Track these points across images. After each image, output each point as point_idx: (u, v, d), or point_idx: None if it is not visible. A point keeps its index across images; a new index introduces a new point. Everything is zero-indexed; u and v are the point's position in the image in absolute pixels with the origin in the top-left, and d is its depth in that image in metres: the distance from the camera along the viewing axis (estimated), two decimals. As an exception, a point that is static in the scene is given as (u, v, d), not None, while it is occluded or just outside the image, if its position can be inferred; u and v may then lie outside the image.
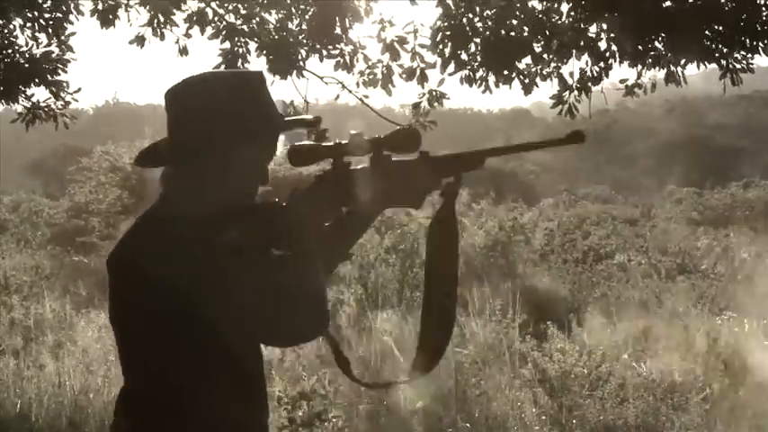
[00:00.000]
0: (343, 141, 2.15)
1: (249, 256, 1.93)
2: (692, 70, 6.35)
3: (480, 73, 6.46)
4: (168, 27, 6.97)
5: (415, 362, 2.18)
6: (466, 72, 6.47)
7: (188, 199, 2.01)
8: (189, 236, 1.94)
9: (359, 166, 2.16)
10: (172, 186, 2.03)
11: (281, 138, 2.16)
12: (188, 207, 1.99)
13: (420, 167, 2.14)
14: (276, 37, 6.70)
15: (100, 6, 7.01)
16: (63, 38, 7.25)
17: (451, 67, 6.44)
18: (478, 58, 6.43)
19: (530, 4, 6.41)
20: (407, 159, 2.16)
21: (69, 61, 7.33)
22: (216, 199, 2.04)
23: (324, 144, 2.18)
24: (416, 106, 6.94)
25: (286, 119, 2.12)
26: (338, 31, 6.58)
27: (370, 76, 6.67)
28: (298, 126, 2.15)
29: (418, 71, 6.58)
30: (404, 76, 6.60)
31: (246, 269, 1.89)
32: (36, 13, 7.13)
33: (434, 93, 6.88)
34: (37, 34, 7.22)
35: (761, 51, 6.09)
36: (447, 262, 2.18)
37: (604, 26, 6.29)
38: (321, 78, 6.86)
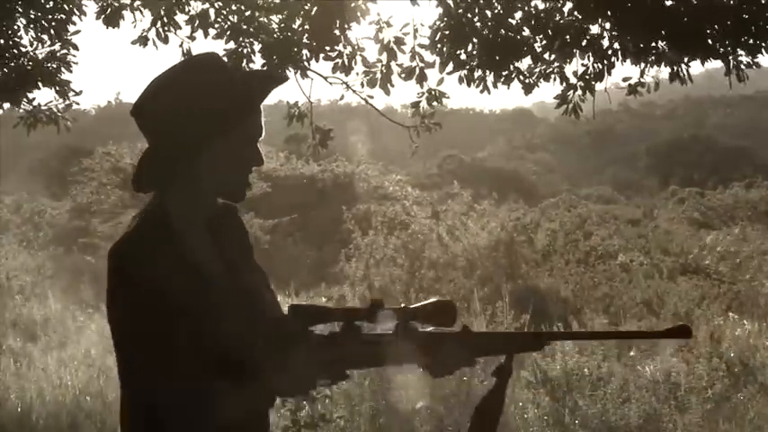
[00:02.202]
0: (359, 306, 2.05)
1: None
2: (695, 70, 6.35)
3: (479, 73, 6.45)
4: (171, 29, 6.96)
5: None
6: (464, 72, 6.46)
7: (184, 198, 2.00)
8: (189, 236, 1.93)
9: (379, 332, 2.00)
10: (167, 187, 2.01)
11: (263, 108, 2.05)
12: (185, 207, 1.99)
13: (450, 342, 2.00)
14: (281, 37, 6.69)
15: (105, 7, 7.00)
16: (67, 37, 7.25)
17: (449, 67, 6.43)
18: (476, 58, 6.42)
19: (532, 3, 6.40)
20: (437, 332, 2.01)
21: (76, 63, 7.35)
22: (211, 194, 2.04)
23: (338, 308, 2.07)
24: (416, 105, 6.93)
25: (254, 86, 2.04)
26: (336, 32, 6.57)
27: (369, 76, 6.66)
28: (266, 93, 2.04)
29: (417, 70, 6.57)
30: (403, 75, 6.58)
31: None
32: (39, 14, 7.12)
33: (433, 92, 6.86)
34: (41, 35, 7.22)
35: (764, 51, 6.07)
36: None
37: (606, 25, 6.28)
38: (325, 78, 6.85)
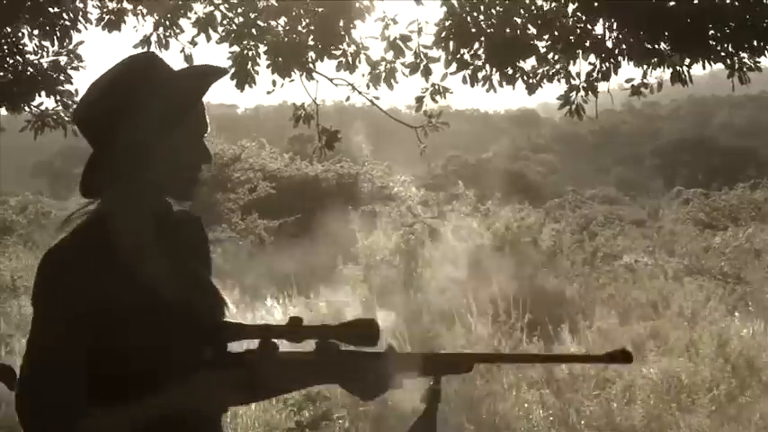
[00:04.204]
0: (276, 324, 1.93)
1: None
2: (698, 70, 6.34)
3: (483, 72, 6.45)
4: (173, 34, 6.97)
5: None
6: (468, 72, 6.46)
7: (125, 201, 1.96)
8: (128, 241, 1.89)
9: (297, 350, 1.91)
10: (109, 191, 1.97)
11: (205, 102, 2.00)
12: (126, 210, 1.95)
13: (377, 363, 1.91)
14: (285, 39, 6.69)
15: (106, 15, 7.01)
16: (71, 47, 7.25)
17: (453, 67, 6.43)
18: (482, 57, 6.41)
19: (537, 2, 6.40)
20: (362, 351, 1.91)
21: (77, 70, 7.35)
22: (158, 195, 1.99)
23: (253, 324, 1.95)
24: (419, 100, 6.91)
25: (193, 82, 1.98)
26: (341, 30, 6.57)
27: (374, 72, 6.66)
28: (206, 88, 1.98)
29: (422, 66, 6.56)
30: (407, 70, 6.58)
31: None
32: (43, 20, 7.12)
33: (437, 87, 6.84)
34: (44, 42, 7.22)
35: (767, 53, 6.06)
36: None
37: (610, 25, 6.27)
38: (331, 80, 6.85)
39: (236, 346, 1.96)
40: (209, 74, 2.01)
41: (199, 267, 2.08)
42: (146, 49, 6.92)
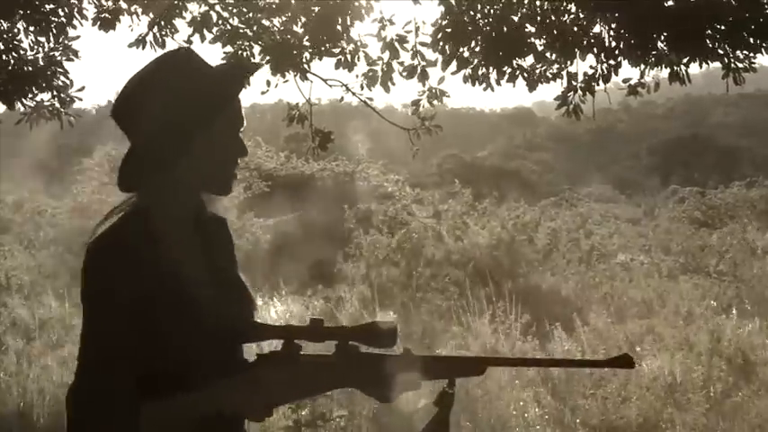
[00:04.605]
0: (299, 324, 1.96)
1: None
2: (694, 69, 6.34)
3: (482, 70, 6.45)
4: (168, 34, 6.96)
5: None
6: (468, 71, 6.46)
7: (165, 196, 1.98)
8: (169, 234, 1.92)
9: (318, 353, 1.93)
10: (148, 185, 1.98)
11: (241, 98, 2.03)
12: (165, 204, 1.97)
13: (397, 365, 1.93)
14: (280, 40, 6.69)
15: (102, 13, 6.99)
16: (67, 42, 7.24)
17: (453, 66, 6.43)
18: (479, 56, 6.41)
19: (535, 1, 6.40)
20: (382, 354, 1.94)
21: (72, 60, 7.32)
22: (196, 190, 2.02)
23: (276, 325, 1.98)
24: (416, 104, 6.92)
25: (230, 77, 2.04)
26: (339, 29, 6.57)
27: (370, 74, 6.66)
28: (243, 82, 2.02)
29: (419, 69, 6.57)
30: (404, 73, 6.58)
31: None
32: (38, 16, 7.11)
33: (434, 90, 6.85)
34: (40, 38, 7.21)
35: (763, 51, 6.07)
36: None
37: (607, 25, 6.27)
38: (325, 81, 6.85)
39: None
40: (246, 69, 2.04)
41: (230, 265, 2.12)
42: (141, 49, 6.94)
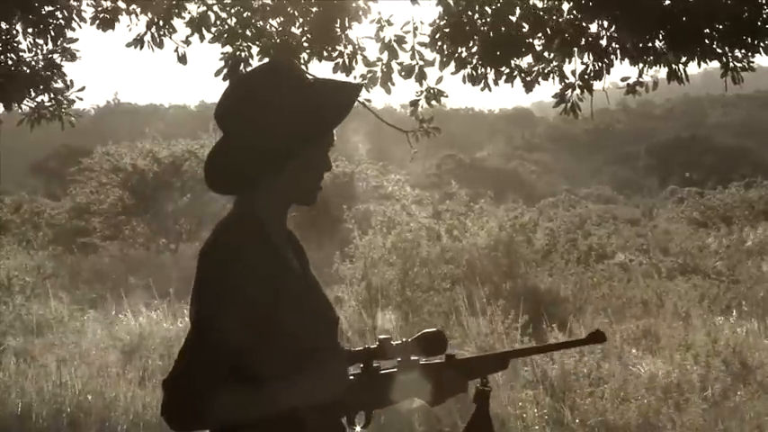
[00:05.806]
0: (372, 346, 2.15)
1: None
2: (692, 69, 6.35)
3: (480, 70, 6.46)
4: (167, 33, 6.96)
5: None
6: (467, 71, 6.46)
7: (269, 204, 2.07)
8: (279, 241, 2.05)
9: (389, 370, 2.14)
10: (251, 192, 2.07)
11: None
12: (270, 212, 2.07)
13: (445, 371, 2.17)
14: (278, 41, 6.69)
15: (101, 13, 6.99)
16: (66, 45, 7.23)
17: (452, 67, 6.43)
18: (477, 56, 6.42)
19: (531, 1, 6.41)
20: (433, 363, 2.17)
21: (72, 60, 7.32)
22: (289, 200, 2.13)
23: (355, 350, 2.16)
24: (414, 104, 6.93)
25: (340, 101, 2.09)
26: (338, 31, 6.57)
27: (369, 75, 6.66)
28: (351, 107, 2.09)
29: (417, 69, 6.57)
30: (403, 73, 6.59)
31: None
32: (37, 18, 7.10)
33: (432, 90, 6.86)
34: (38, 40, 7.20)
35: (761, 51, 6.08)
36: None
37: (605, 24, 6.28)
38: None
39: None
40: (357, 89, 2.19)
41: (314, 276, 2.23)
42: (139, 48, 6.94)
